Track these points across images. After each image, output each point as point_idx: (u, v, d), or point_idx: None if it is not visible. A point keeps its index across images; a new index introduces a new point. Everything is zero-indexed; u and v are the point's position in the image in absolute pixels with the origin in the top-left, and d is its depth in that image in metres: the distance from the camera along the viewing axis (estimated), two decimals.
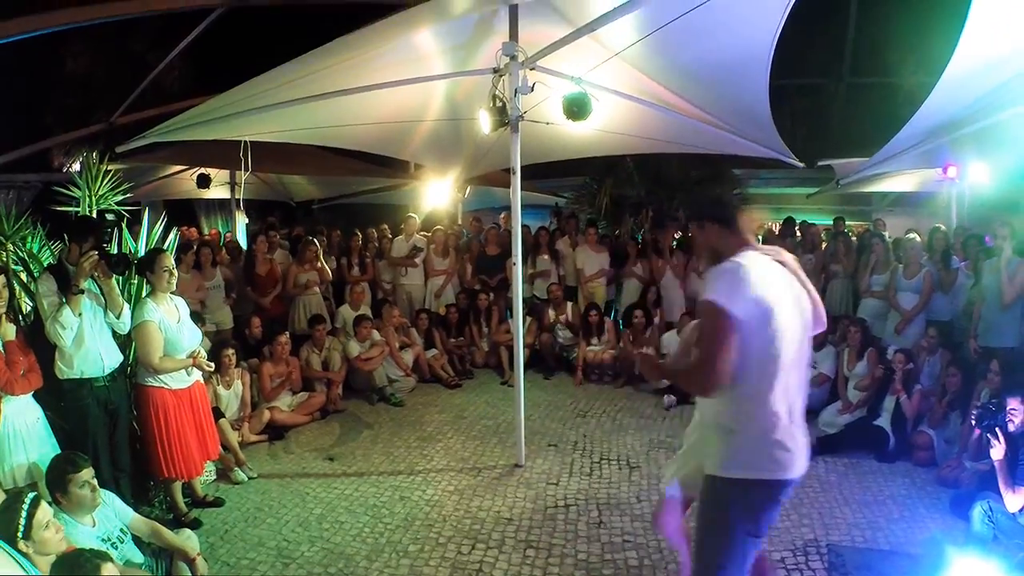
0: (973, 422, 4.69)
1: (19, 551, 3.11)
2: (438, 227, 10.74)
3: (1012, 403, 4.56)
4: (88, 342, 4.65)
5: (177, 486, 5.19)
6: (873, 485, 5.74)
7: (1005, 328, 6.55)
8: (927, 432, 6.18)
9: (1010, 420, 4.51)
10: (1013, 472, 4.32)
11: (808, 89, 18.88)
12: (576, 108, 5.64)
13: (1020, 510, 4.29)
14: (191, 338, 5.06)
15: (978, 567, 3.86)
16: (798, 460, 2.82)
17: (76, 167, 12.60)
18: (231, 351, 6.78)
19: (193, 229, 13.77)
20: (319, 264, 9.03)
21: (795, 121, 17.06)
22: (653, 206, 11.89)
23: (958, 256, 7.86)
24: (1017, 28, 4.76)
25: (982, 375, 5.92)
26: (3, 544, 2.88)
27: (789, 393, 2.81)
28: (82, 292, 4.54)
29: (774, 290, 2.75)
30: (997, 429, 4.41)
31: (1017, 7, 4.58)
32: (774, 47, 5.20)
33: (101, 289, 4.76)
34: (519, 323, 6.31)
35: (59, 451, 4.32)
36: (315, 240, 9.43)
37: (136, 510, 4.32)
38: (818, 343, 7.54)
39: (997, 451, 4.37)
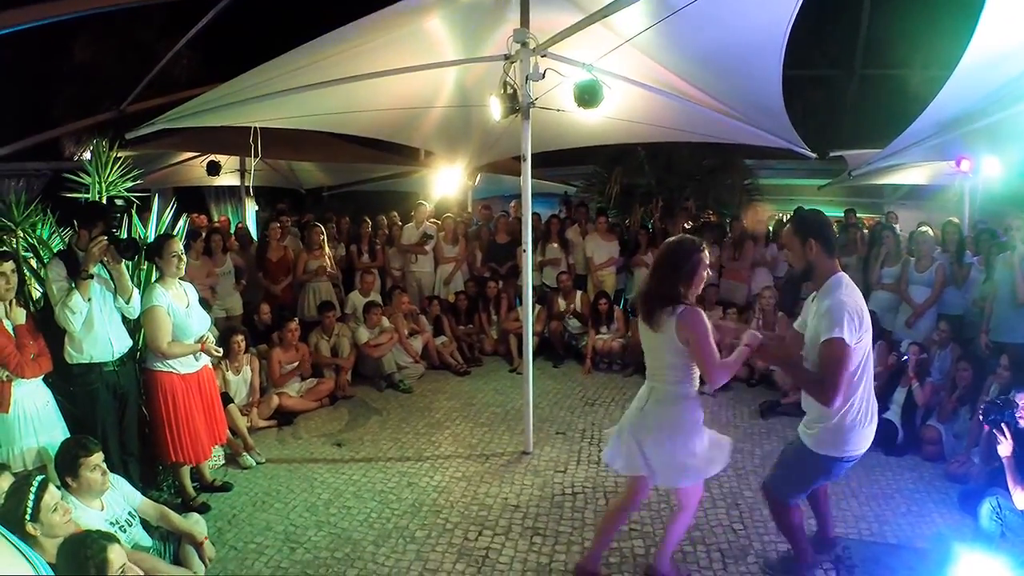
0: (980, 417, 4.67)
1: (27, 533, 3.13)
2: (448, 214, 10.74)
3: (1022, 398, 4.51)
4: (97, 327, 4.67)
5: (185, 470, 5.22)
6: (881, 479, 5.72)
7: (1017, 324, 6.48)
8: (936, 426, 6.15)
9: (1021, 416, 4.47)
10: (1022, 469, 4.29)
11: (820, 81, 18.79)
12: (587, 95, 5.60)
13: None
14: (200, 323, 5.08)
15: (986, 564, 3.84)
16: (865, 441, 3.63)
17: (87, 155, 12.64)
18: (241, 337, 6.81)
19: (203, 216, 13.79)
20: (325, 250, 9.06)
21: (807, 112, 16.96)
22: (663, 195, 11.85)
23: (970, 250, 7.80)
24: None
25: (992, 370, 5.89)
26: (7, 533, 2.88)
27: (866, 391, 3.59)
28: (91, 277, 4.56)
29: (864, 313, 3.46)
30: (1004, 425, 4.38)
31: None
32: (787, 35, 5.15)
33: (111, 274, 4.78)
34: (528, 311, 6.30)
35: (68, 435, 4.35)
36: (319, 224, 9.43)
37: (144, 494, 4.35)
38: None
39: (1004, 447, 4.34)
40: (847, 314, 3.34)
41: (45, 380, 4.45)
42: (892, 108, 15.22)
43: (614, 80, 6.01)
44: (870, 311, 7.32)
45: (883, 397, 6.61)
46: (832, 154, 11.99)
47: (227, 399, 6.06)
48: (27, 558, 2.76)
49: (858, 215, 11.35)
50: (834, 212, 11.89)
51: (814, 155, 7.46)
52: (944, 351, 6.75)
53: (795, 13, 4.83)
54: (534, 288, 7.73)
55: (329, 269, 9.15)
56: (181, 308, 4.92)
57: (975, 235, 8.14)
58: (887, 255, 8.08)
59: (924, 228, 7.96)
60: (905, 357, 6.43)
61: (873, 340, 6.82)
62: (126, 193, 5.88)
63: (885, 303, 7.90)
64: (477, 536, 4.78)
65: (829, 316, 3.38)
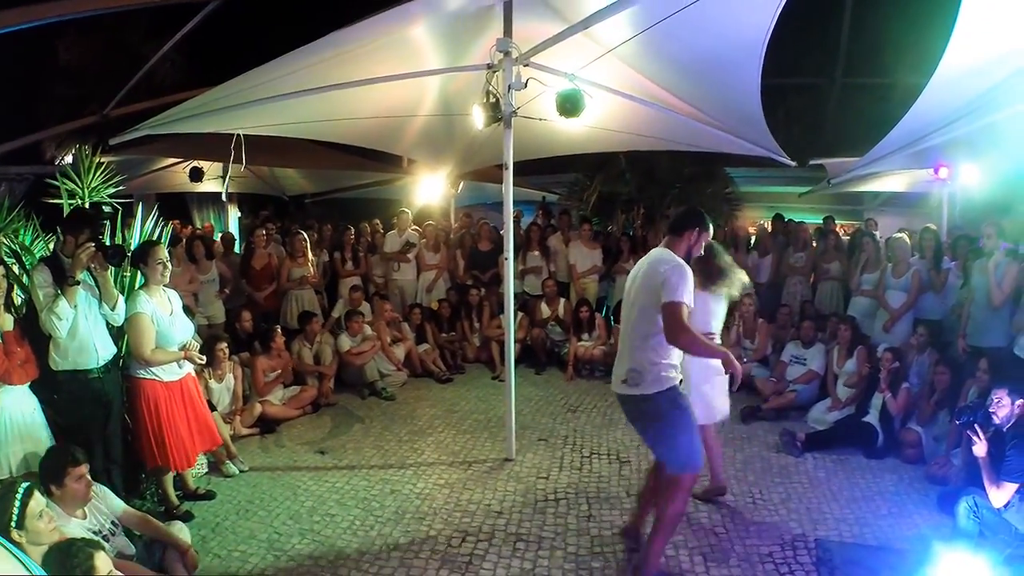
0: (956, 421, 4.73)
1: (12, 540, 3.11)
2: (429, 222, 10.75)
3: (997, 394, 4.58)
4: (82, 334, 4.65)
5: (169, 478, 5.20)
6: (861, 481, 5.79)
7: (993, 328, 6.57)
8: (915, 429, 6.23)
9: (993, 412, 4.53)
10: (997, 468, 4.36)
11: (802, 89, 18.91)
12: (569, 105, 5.65)
13: (1005, 506, 4.33)
14: (183, 331, 5.07)
15: (965, 563, 3.89)
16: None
17: (68, 159, 12.51)
18: (224, 345, 6.79)
19: (181, 224, 13.71)
20: (309, 257, 9.06)
21: (789, 120, 17.11)
22: (645, 203, 11.93)
23: (948, 256, 7.89)
24: (1009, 28, 4.78)
25: (971, 374, 5.96)
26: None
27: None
28: (78, 283, 4.54)
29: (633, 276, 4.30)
30: (977, 426, 4.45)
31: (1009, 6, 4.59)
32: (766, 45, 5.20)
33: (96, 281, 4.76)
34: (510, 318, 6.33)
35: (53, 442, 4.34)
36: (303, 232, 9.42)
37: (127, 502, 4.32)
38: (808, 340, 7.60)
39: (979, 448, 4.42)
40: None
41: (30, 387, 4.44)
42: (873, 116, 15.31)
43: (596, 89, 6.07)
44: (850, 317, 7.53)
45: (863, 401, 6.69)
46: (813, 162, 12.09)
47: (210, 407, 6.04)
48: (19, 559, 2.75)
49: (838, 222, 11.44)
50: (815, 219, 12.01)
51: (794, 163, 7.52)
52: (922, 355, 6.84)
53: (773, 23, 4.90)
54: (516, 295, 7.76)
55: (312, 277, 9.15)
56: (165, 315, 4.91)
57: (952, 241, 8.24)
58: (867, 261, 8.17)
59: (899, 235, 8.06)
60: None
61: (852, 345, 7.00)
62: (109, 200, 5.86)
63: (865, 309, 8.00)
64: (460, 543, 4.79)
65: None
